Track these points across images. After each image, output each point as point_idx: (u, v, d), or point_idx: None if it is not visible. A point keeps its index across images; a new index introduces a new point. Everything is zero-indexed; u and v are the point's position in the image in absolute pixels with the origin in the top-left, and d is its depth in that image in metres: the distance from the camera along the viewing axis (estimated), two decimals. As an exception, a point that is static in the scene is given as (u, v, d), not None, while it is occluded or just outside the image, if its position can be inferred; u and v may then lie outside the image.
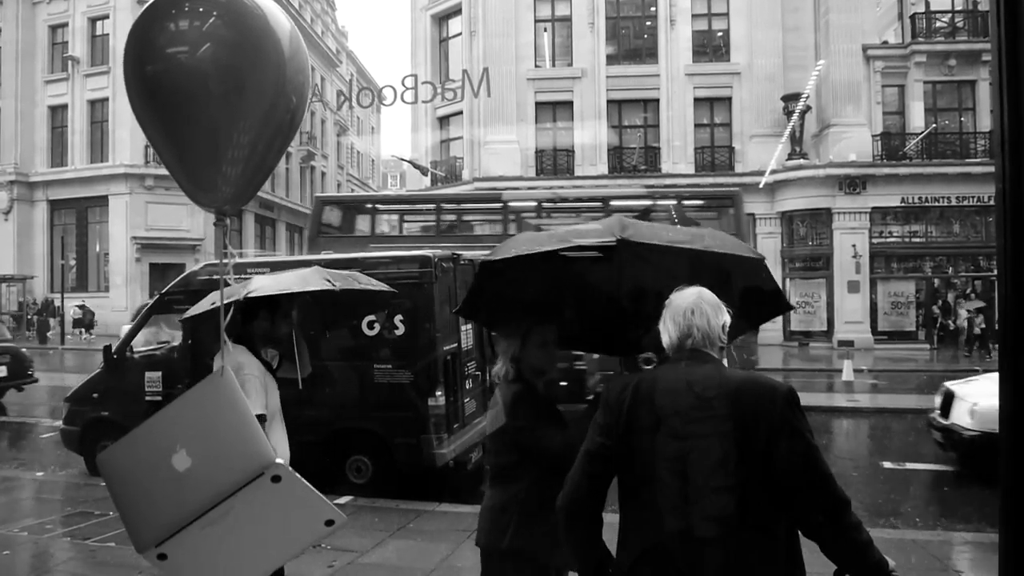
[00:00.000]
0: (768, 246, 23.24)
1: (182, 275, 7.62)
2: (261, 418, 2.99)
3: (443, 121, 28.76)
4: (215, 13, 1.86)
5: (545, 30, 26.50)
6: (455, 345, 7.05)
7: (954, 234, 23.67)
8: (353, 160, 55.22)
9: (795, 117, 23.67)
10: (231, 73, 1.85)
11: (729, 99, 25.92)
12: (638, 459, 1.88)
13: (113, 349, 7.58)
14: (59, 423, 8.02)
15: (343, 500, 6.34)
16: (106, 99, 30.81)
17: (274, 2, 1.98)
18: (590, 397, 2.62)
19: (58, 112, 32.32)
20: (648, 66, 26.08)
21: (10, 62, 32.29)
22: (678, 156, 25.61)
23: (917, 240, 23.76)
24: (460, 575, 4.78)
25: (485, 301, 2.78)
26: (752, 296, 2.42)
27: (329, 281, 3.68)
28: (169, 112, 1.90)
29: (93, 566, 5.02)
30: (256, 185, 2.14)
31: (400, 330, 6.67)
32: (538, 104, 26.39)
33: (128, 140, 29.16)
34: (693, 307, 1.96)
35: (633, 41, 26.78)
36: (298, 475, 1.94)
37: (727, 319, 1.99)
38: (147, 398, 7.24)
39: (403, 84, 21.61)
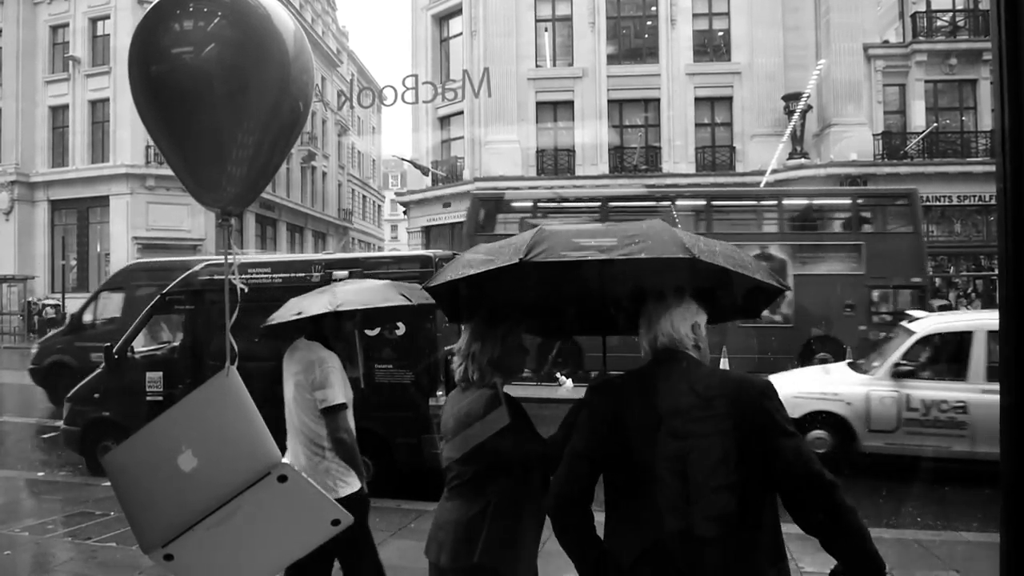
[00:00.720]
0: (769, 246, 23.23)
1: (183, 275, 7.62)
2: (343, 406, 3.26)
3: (444, 121, 28.77)
4: (220, 13, 1.87)
5: (546, 30, 26.51)
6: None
7: (955, 233, 23.67)
8: (354, 160, 55.24)
9: (796, 116, 23.68)
10: (235, 73, 1.86)
11: (730, 98, 25.93)
12: (631, 459, 1.90)
13: (114, 349, 7.59)
14: (60, 423, 8.03)
15: (344, 500, 6.32)
16: (107, 99, 30.81)
17: (278, 2, 1.99)
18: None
19: (59, 112, 32.32)
20: (649, 66, 26.09)
21: (11, 62, 32.32)
22: (679, 156, 25.63)
23: (918, 240, 23.81)
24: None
25: (466, 305, 2.69)
26: (729, 294, 2.31)
27: (405, 296, 3.75)
28: (174, 112, 1.91)
29: (94, 566, 5.03)
30: (260, 185, 2.15)
31: (401, 330, 6.67)
32: (539, 104, 26.41)
33: (129, 140, 29.20)
34: (659, 312, 2.02)
35: (634, 41, 26.78)
36: (304, 475, 1.96)
37: (698, 319, 2.03)
38: (148, 398, 7.26)
39: (404, 84, 21.74)
